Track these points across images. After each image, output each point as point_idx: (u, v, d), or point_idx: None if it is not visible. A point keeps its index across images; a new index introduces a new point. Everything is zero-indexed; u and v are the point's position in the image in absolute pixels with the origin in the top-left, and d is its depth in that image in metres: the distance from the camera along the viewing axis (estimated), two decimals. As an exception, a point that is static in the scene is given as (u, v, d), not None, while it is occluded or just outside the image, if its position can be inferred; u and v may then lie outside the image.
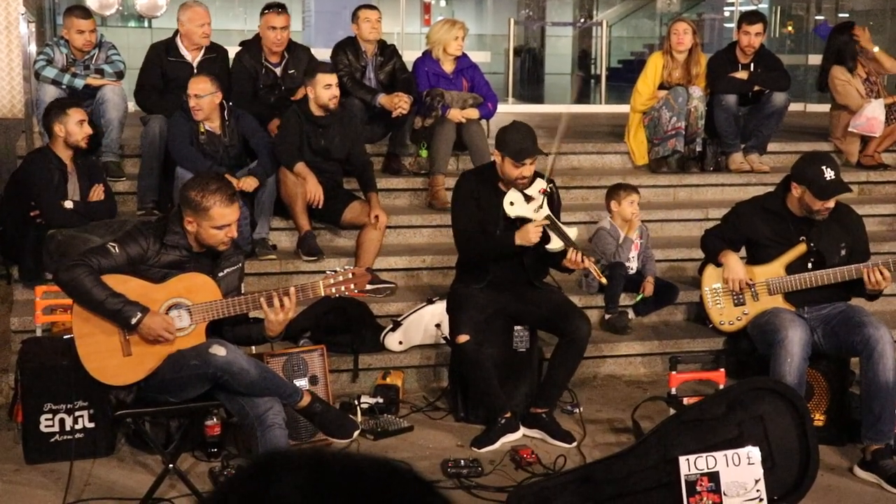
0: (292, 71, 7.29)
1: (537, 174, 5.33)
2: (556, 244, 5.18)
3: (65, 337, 4.82)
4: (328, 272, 4.48)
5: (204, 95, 6.27)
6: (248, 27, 12.88)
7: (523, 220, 5.22)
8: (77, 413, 4.86)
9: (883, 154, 8.47)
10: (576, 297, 6.37)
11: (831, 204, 5.22)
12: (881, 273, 5.15)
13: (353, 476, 1.08)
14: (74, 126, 5.96)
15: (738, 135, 8.07)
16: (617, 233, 6.45)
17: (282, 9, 7.26)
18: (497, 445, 5.12)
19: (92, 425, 4.88)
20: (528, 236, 5.14)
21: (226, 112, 6.47)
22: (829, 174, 5.14)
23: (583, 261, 5.12)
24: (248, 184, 6.24)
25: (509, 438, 5.18)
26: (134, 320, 4.23)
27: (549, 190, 5.23)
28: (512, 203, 5.23)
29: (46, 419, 4.83)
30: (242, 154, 6.51)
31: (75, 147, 6.02)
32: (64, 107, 6.01)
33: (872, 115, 8.20)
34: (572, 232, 5.23)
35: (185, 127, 6.37)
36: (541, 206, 5.20)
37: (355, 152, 6.73)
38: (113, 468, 4.85)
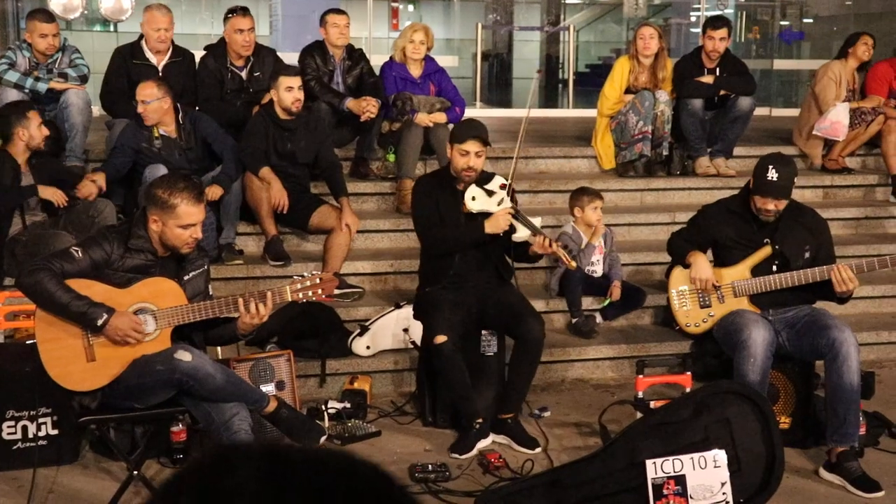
0: (258, 74, 7.26)
1: (493, 173, 5.39)
2: (522, 233, 5.23)
3: (27, 343, 4.76)
4: (295, 277, 4.47)
5: (150, 101, 6.24)
6: (215, 31, 12.82)
7: (485, 216, 5.26)
8: (40, 420, 4.80)
9: (847, 158, 8.54)
10: (542, 301, 6.40)
11: (771, 206, 5.22)
12: (847, 272, 5.16)
13: (311, 465, 1.05)
14: (36, 129, 5.93)
15: (705, 139, 8.12)
16: (579, 238, 6.46)
17: (245, 11, 7.23)
18: (474, 451, 5.12)
19: (55, 432, 4.83)
20: (498, 222, 5.20)
21: (180, 115, 6.42)
22: (771, 174, 5.14)
23: (551, 245, 5.14)
24: (214, 193, 6.20)
25: (482, 444, 5.18)
26: (100, 321, 4.20)
27: (507, 184, 5.27)
28: (473, 198, 5.26)
29: (9, 426, 4.78)
30: (205, 157, 6.47)
31: (35, 149, 5.97)
32: (24, 110, 5.97)
33: (836, 119, 8.26)
34: (537, 220, 5.27)
35: (134, 133, 6.32)
36: (503, 199, 5.25)
37: (323, 156, 6.71)
38: (77, 475, 4.80)
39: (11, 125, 5.92)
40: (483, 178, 5.31)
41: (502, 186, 5.26)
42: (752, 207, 5.34)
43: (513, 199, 5.35)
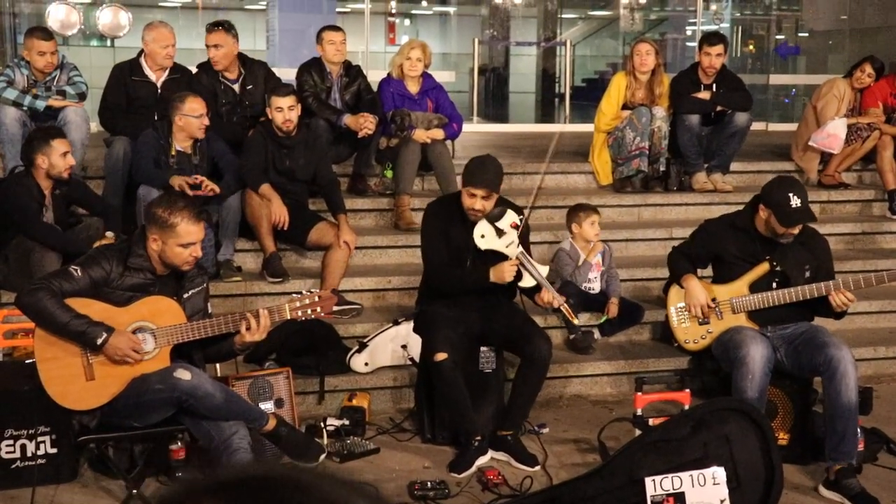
0: (250, 87, 7.26)
1: (510, 205, 5.35)
2: (528, 282, 5.20)
3: (26, 361, 4.76)
4: (294, 295, 4.49)
5: (206, 113, 6.34)
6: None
7: (494, 253, 5.23)
8: (39, 438, 4.78)
9: (843, 174, 8.57)
10: (540, 318, 6.39)
11: (795, 230, 5.27)
12: (845, 295, 5.22)
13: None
14: (58, 158, 5.90)
15: (702, 154, 8.15)
16: (577, 254, 6.47)
17: (215, 26, 7.21)
18: (473, 469, 5.11)
19: (54, 451, 4.81)
20: (503, 275, 5.17)
21: None
22: (795, 202, 5.18)
23: (554, 301, 5.14)
24: (212, 188, 6.23)
25: (480, 461, 5.18)
26: (100, 340, 4.21)
27: (519, 224, 5.23)
28: (483, 236, 5.22)
29: (7, 445, 4.75)
30: (211, 176, 6.46)
31: (57, 178, 5.96)
32: (48, 137, 5.94)
33: (834, 132, 8.30)
34: (544, 270, 5.24)
35: (154, 145, 6.34)
36: (512, 242, 5.20)
37: (321, 173, 6.72)
38: (76, 494, 4.79)
39: (33, 150, 5.92)
40: (495, 214, 5.23)
41: (513, 225, 5.20)
42: (765, 230, 5.36)
43: (520, 238, 5.29)
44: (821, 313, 5.47)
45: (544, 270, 5.24)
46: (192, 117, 6.28)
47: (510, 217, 5.22)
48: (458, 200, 5.43)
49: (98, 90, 7.27)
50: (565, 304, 5.21)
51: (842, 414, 4.95)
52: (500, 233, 5.21)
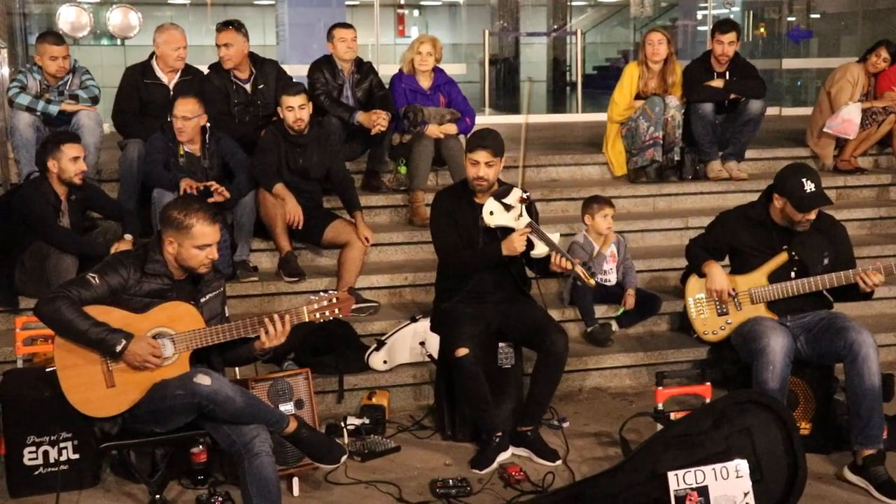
0: (262, 86, 7.25)
1: (512, 185, 5.36)
2: (540, 250, 5.20)
3: (47, 369, 4.77)
4: (312, 297, 4.48)
5: (192, 117, 6.28)
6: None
7: (504, 229, 5.24)
8: (61, 444, 4.80)
9: (859, 158, 8.53)
10: (558, 311, 6.38)
11: (812, 216, 5.25)
12: (876, 276, 5.17)
13: None
14: (68, 162, 5.90)
15: (716, 143, 8.12)
16: (591, 247, 6.45)
17: (225, 26, 7.19)
18: (494, 465, 5.11)
19: (76, 456, 4.82)
20: (514, 245, 5.18)
21: (206, 135, 6.45)
22: (809, 186, 5.16)
23: (568, 263, 5.14)
24: (222, 193, 6.24)
25: (502, 457, 5.18)
26: (119, 347, 4.21)
27: (526, 198, 5.25)
28: (492, 212, 5.25)
29: (30, 452, 4.77)
30: (221, 177, 6.47)
31: (69, 183, 5.97)
32: (59, 142, 5.94)
33: (848, 117, 8.28)
34: (555, 236, 5.24)
35: (163, 148, 6.35)
36: (521, 215, 5.22)
37: (335, 170, 6.72)
38: (99, 499, 4.80)
39: (45, 154, 5.93)
40: (501, 192, 5.28)
41: (520, 200, 5.23)
42: (781, 219, 5.33)
43: (531, 213, 5.34)
44: (848, 297, 5.42)
45: (555, 237, 5.23)
46: (186, 118, 6.26)
47: (517, 193, 5.26)
48: (465, 186, 5.45)
49: (110, 90, 7.28)
50: (580, 266, 5.20)
51: (865, 397, 4.92)
52: (507, 208, 5.23)
